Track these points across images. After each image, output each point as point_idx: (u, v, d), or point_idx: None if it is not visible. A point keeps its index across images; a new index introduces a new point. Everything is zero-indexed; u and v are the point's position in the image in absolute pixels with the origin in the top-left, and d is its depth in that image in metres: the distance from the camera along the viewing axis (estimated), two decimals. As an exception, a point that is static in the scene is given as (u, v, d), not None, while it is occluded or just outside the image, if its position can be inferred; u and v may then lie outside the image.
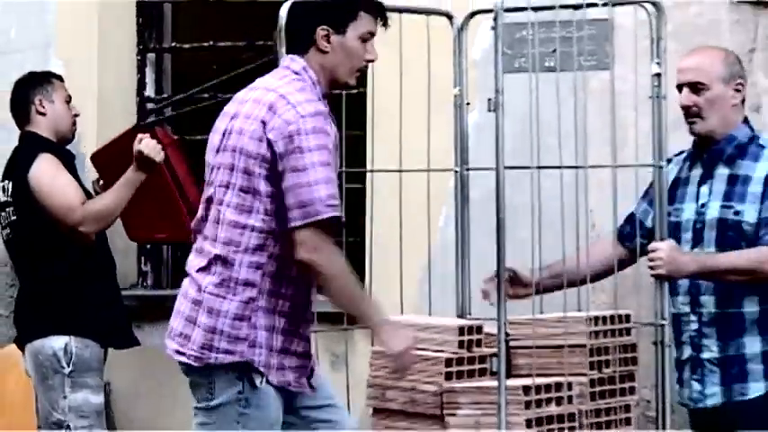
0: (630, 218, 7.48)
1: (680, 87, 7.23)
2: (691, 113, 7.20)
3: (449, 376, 6.81)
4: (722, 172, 7.23)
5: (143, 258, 9.86)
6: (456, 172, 7.54)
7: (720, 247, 7.24)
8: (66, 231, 8.42)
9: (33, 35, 9.77)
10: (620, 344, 7.12)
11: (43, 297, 8.51)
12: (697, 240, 7.34)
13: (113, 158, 8.95)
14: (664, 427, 7.20)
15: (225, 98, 8.15)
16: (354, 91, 7.65)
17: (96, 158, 9.15)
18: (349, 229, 7.78)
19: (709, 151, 7.29)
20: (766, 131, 7.64)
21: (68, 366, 8.29)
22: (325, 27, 6.31)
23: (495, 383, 6.70)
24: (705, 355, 7.25)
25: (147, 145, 8.34)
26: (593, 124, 7.32)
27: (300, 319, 6.60)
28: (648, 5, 7.07)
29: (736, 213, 7.26)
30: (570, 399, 6.85)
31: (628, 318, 7.14)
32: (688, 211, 7.45)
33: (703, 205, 7.30)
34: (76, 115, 8.80)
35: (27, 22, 9.82)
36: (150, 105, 10.02)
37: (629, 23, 7.62)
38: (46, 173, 8.43)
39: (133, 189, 8.39)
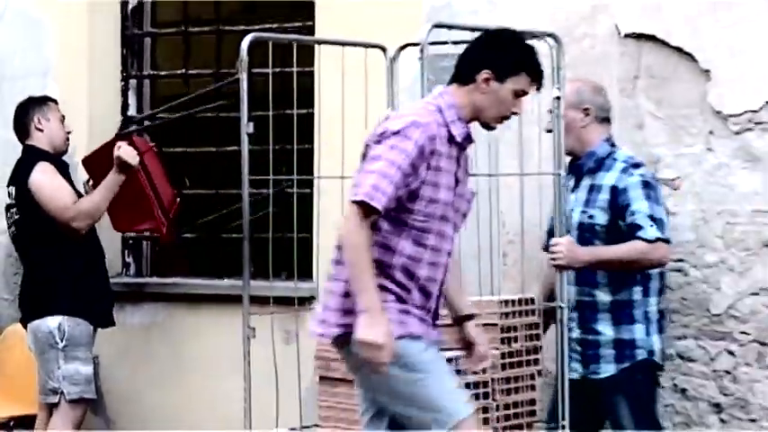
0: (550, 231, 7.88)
1: None
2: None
3: None
4: (586, 183, 7.81)
5: (126, 251, 10.13)
6: None
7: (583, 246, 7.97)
8: (61, 227, 8.76)
9: (34, 64, 10.18)
10: (526, 323, 7.61)
11: (41, 283, 9.01)
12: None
13: (100, 163, 9.29)
14: (562, 393, 7.50)
15: (188, 114, 9.27)
16: (304, 111, 8.35)
17: (86, 163, 9.49)
18: (300, 225, 8.36)
19: (575, 165, 7.86)
20: (648, 146, 8.33)
21: (62, 342, 8.71)
22: (488, 71, 6.45)
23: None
24: (572, 335, 7.78)
25: (124, 151, 8.81)
26: (504, 139, 7.77)
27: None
28: (550, 39, 7.46)
29: (591, 217, 7.82)
30: (484, 369, 7.15)
31: (532, 301, 7.65)
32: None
33: (571, 210, 7.86)
34: (69, 132, 9.31)
35: (28, 53, 10.23)
36: (133, 126, 10.32)
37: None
38: (43, 178, 8.92)
39: (115, 188, 8.86)
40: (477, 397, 7.28)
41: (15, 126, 9.39)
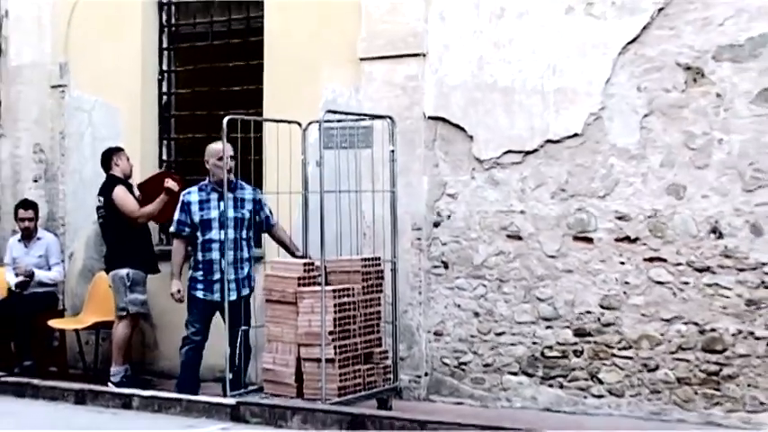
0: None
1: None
2: (228, 171, 9.13)
3: (299, 285, 8.77)
4: (229, 195, 9.17)
5: (160, 234, 10.99)
6: (303, 194, 9.39)
7: (238, 230, 9.35)
8: (130, 220, 10.12)
9: (112, 132, 11.28)
10: (377, 271, 9.15)
11: (116, 250, 10.30)
12: (221, 227, 9.24)
13: (147, 185, 10.54)
14: (395, 311, 9.16)
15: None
16: (257, 157, 9.68)
17: (139, 185, 10.58)
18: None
19: (218, 185, 9.21)
20: (441, 177, 9.49)
21: (128, 281, 10.08)
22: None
23: (319, 288, 8.64)
24: (230, 277, 9.09)
25: (171, 183, 10.03)
26: (364, 171, 9.36)
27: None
28: (388, 119, 9.21)
29: (242, 213, 9.35)
30: (353, 302, 8.83)
31: (379, 258, 9.19)
32: (214, 213, 9.35)
33: (224, 211, 9.17)
34: (131, 166, 10.53)
35: (109, 127, 11.34)
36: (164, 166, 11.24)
37: (380, 126, 9.42)
38: (120, 194, 10.21)
39: (162, 204, 10.07)
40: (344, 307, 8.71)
41: (102, 163, 10.54)
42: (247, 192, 9.55)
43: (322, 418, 8.29)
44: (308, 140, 9.36)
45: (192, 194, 9.44)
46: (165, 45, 11.30)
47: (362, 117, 9.45)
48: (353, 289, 8.97)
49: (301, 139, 9.36)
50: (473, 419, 8.11)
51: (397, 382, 9.31)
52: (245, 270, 9.46)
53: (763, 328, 8.32)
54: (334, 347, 8.67)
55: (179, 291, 9.47)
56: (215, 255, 9.35)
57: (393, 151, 9.32)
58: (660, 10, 8.69)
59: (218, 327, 9.43)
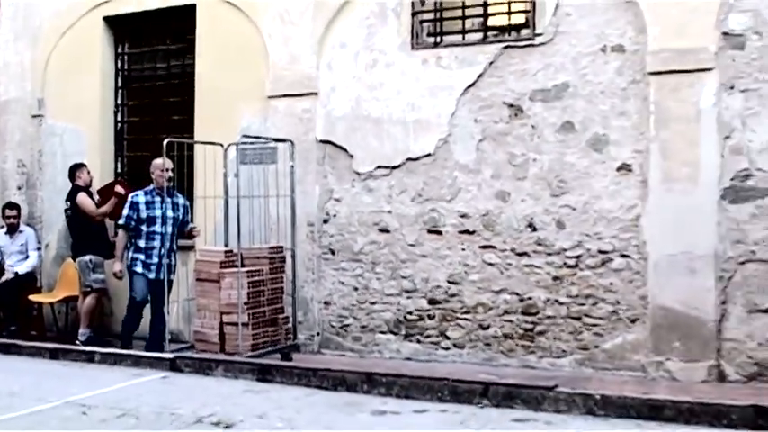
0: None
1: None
2: (168, 180, 9.11)
3: (221, 267, 8.68)
4: (168, 200, 9.11)
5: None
6: (224, 198, 9.10)
7: (173, 227, 9.21)
8: (90, 218, 9.96)
9: (77, 150, 10.96)
10: (280, 256, 9.07)
11: (80, 241, 10.12)
12: (163, 223, 9.15)
13: (105, 191, 10.30)
14: (294, 286, 9.08)
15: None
16: (189, 170, 9.48)
17: (99, 191, 10.37)
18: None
19: (160, 191, 9.12)
20: (329, 186, 9.37)
21: (91, 265, 9.98)
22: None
23: (236, 269, 8.54)
24: (164, 262, 9.07)
25: (120, 189, 9.87)
26: (270, 181, 9.27)
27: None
28: (288, 142, 9.11)
29: (177, 215, 9.29)
30: (262, 280, 8.77)
31: (281, 247, 9.08)
32: (158, 211, 9.19)
33: (164, 211, 9.14)
34: (92, 178, 10.37)
35: (75, 145, 11.00)
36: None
37: (283, 147, 9.26)
38: (82, 199, 10.10)
39: (113, 206, 9.82)
40: (255, 283, 8.60)
41: (69, 176, 10.41)
42: (180, 198, 9.45)
43: (239, 368, 8.24)
44: (228, 158, 9.22)
45: (140, 196, 9.28)
46: (119, 85, 11.14)
47: (269, 140, 9.38)
48: (262, 270, 8.90)
49: (223, 157, 9.22)
50: (352, 367, 8.12)
51: (295, 340, 9.26)
52: (172, 259, 9.33)
53: (565, 296, 8.48)
54: (248, 314, 8.64)
55: (120, 270, 9.32)
56: (156, 243, 9.21)
57: (293, 166, 9.26)
58: (491, 63, 8.79)
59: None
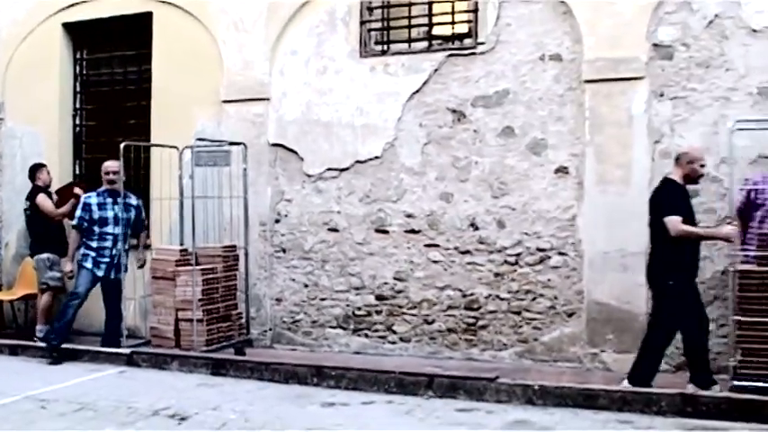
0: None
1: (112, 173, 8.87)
2: (116, 181, 8.82)
3: (176, 265, 8.63)
4: (120, 201, 8.87)
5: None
6: (180, 199, 9.02)
7: (125, 227, 8.92)
8: (48, 218, 9.70)
9: (36, 151, 10.65)
10: (234, 255, 8.95)
11: (39, 240, 9.80)
12: (115, 224, 8.94)
13: (63, 192, 10.07)
14: (247, 284, 9.01)
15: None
16: (146, 172, 9.45)
17: (57, 191, 10.12)
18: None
19: (116, 193, 8.88)
20: (280, 188, 9.25)
21: (48, 263, 9.67)
22: None
23: (192, 267, 8.48)
24: (105, 259, 8.84)
25: (78, 191, 9.58)
26: (224, 182, 9.15)
27: None
28: (242, 145, 8.98)
29: (129, 215, 8.96)
30: (216, 277, 8.67)
31: (235, 246, 8.97)
32: (110, 212, 8.97)
33: (116, 212, 8.89)
34: (51, 178, 10.11)
35: (35, 147, 10.68)
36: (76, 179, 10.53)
37: (236, 150, 9.05)
38: (41, 199, 9.83)
39: (72, 206, 9.46)
40: (209, 281, 8.50)
41: (29, 176, 10.15)
42: (133, 199, 9.24)
43: (194, 362, 8.20)
44: (183, 160, 9.12)
45: (92, 198, 9.05)
46: (78, 89, 10.95)
47: (223, 143, 9.29)
48: (216, 268, 8.84)
49: (178, 160, 9.13)
50: (302, 361, 8.10)
51: (248, 335, 9.19)
52: (124, 259, 9.08)
53: (505, 292, 8.51)
54: (203, 311, 8.57)
55: (71, 270, 9.11)
56: (108, 243, 8.99)
57: (245, 168, 9.22)
58: (435, 70, 8.80)
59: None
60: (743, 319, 6.70)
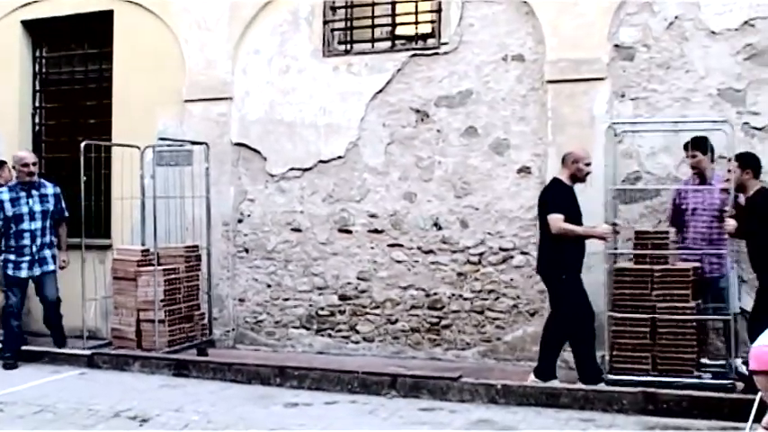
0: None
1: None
2: (35, 173, 8.49)
3: (138, 265, 8.53)
4: (35, 193, 8.58)
5: None
6: (141, 199, 8.80)
7: (43, 221, 8.54)
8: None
9: None
10: (196, 255, 8.89)
11: None
12: (31, 219, 8.53)
13: None
14: (210, 284, 8.97)
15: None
16: (107, 171, 9.38)
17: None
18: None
19: (30, 185, 8.50)
20: (243, 187, 9.24)
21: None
22: None
23: (153, 268, 8.41)
24: (25, 259, 8.52)
25: None
26: (186, 182, 9.12)
27: None
28: (204, 145, 8.94)
29: (46, 207, 8.58)
30: (178, 278, 8.61)
31: (197, 246, 8.91)
32: (25, 208, 8.49)
33: (31, 206, 8.52)
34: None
35: None
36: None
37: (198, 150, 9.05)
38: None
39: None
40: (171, 281, 8.43)
41: None
42: (49, 188, 8.78)
43: (156, 363, 8.16)
44: (145, 160, 9.03)
45: (4, 194, 8.57)
46: (37, 88, 10.82)
47: (185, 143, 9.27)
48: (179, 268, 8.80)
49: (140, 159, 9.03)
50: (265, 361, 8.08)
51: (211, 335, 9.18)
52: (48, 252, 8.73)
53: (468, 292, 8.54)
54: (165, 311, 8.53)
55: None
56: (26, 241, 8.57)
57: (208, 168, 9.21)
58: (398, 70, 8.81)
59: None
60: (617, 315, 6.95)
